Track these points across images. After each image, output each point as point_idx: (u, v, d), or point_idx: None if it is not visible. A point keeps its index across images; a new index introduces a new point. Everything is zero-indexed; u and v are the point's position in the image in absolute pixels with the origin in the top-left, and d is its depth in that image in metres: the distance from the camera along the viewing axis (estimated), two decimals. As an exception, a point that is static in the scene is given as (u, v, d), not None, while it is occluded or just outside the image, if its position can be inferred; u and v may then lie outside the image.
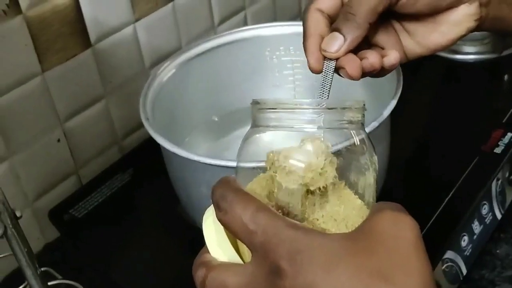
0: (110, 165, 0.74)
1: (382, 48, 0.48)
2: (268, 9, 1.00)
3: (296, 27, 0.63)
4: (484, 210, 0.65)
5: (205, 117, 0.66)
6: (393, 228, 0.32)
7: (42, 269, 0.59)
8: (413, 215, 0.61)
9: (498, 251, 0.67)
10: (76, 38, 0.71)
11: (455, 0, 0.46)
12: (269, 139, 0.37)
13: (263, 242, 0.31)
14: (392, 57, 0.46)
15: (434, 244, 0.59)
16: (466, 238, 0.62)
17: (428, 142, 0.74)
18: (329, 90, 0.43)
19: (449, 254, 0.60)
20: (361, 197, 0.36)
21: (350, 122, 0.36)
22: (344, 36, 0.44)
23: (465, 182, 0.65)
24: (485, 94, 0.80)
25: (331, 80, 0.43)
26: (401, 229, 0.32)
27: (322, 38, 0.45)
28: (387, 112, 0.52)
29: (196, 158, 0.46)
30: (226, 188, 0.33)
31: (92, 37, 0.73)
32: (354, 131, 0.36)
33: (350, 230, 0.34)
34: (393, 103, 0.53)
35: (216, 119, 0.66)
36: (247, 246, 0.32)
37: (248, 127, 0.67)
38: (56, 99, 0.71)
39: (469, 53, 0.87)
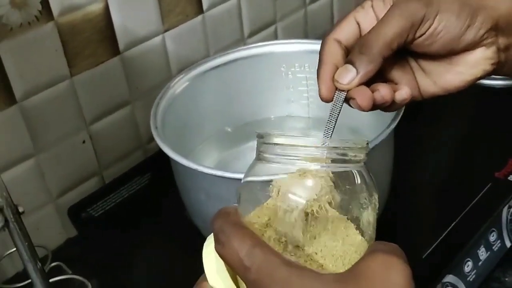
0: (130, 168, 0.77)
1: (396, 84, 0.48)
2: (299, 23, 1.01)
3: (311, 45, 0.64)
4: (492, 237, 0.64)
5: (218, 128, 0.68)
6: (384, 272, 0.32)
7: (53, 264, 0.63)
8: (418, 237, 0.62)
9: (506, 279, 0.67)
10: (105, 45, 0.75)
11: (472, 43, 0.45)
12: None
13: (256, 279, 0.32)
14: (404, 91, 0.47)
15: (435, 267, 0.59)
16: (470, 263, 0.62)
17: (441, 165, 0.73)
18: (336, 120, 0.44)
19: (450, 278, 0.60)
20: (362, 233, 0.37)
21: (352, 161, 0.37)
22: (357, 70, 0.44)
23: (475, 208, 0.65)
24: (505, 120, 0.79)
25: (340, 110, 0.44)
26: (392, 274, 0.32)
27: (336, 68, 0.45)
28: (388, 131, 0.53)
29: (194, 166, 0.48)
30: (225, 221, 0.35)
31: (121, 45, 0.76)
32: (355, 170, 0.38)
33: (346, 267, 0.35)
34: (395, 122, 0.53)
35: (229, 129, 0.68)
36: (242, 280, 0.34)
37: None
38: (83, 103, 0.75)
39: (491, 78, 0.86)
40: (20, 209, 0.44)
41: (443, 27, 0.44)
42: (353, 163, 0.38)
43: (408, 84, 0.47)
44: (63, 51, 0.70)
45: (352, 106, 0.45)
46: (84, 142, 0.77)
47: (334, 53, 0.46)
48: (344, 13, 1.08)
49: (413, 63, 0.48)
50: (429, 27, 0.44)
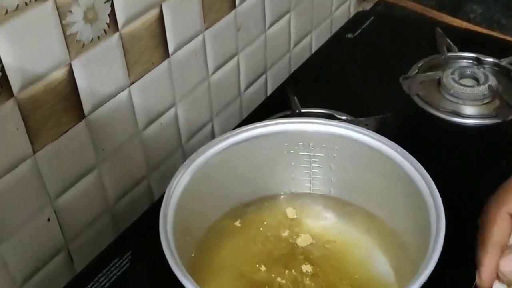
0: (104, 249, 0.68)
1: None
2: (261, 51, 0.95)
3: (317, 125, 0.59)
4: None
5: (220, 214, 0.61)
6: None
7: None
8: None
9: None
10: (70, 113, 0.65)
11: None
12: None
13: None
14: None
15: None
16: None
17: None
18: None
19: None
20: None
21: None
22: None
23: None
24: (490, 161, 0.77)
25: None
26: None
27: (502, 252, 0.41)
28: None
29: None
30: None
31: (87, 108, 0.67)
32: None
33: None
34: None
35: (238, 224, 0.61)
36: None
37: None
38: (46, 178, 0.65)
39: (471, 117, 0.84)
40: None
41: None
42: None
43: None
44: (24, 129, 0.60)
45: None
46: (49, 220, 0.68)
47: (505, 232, 0.42)
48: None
49: None
50: None
